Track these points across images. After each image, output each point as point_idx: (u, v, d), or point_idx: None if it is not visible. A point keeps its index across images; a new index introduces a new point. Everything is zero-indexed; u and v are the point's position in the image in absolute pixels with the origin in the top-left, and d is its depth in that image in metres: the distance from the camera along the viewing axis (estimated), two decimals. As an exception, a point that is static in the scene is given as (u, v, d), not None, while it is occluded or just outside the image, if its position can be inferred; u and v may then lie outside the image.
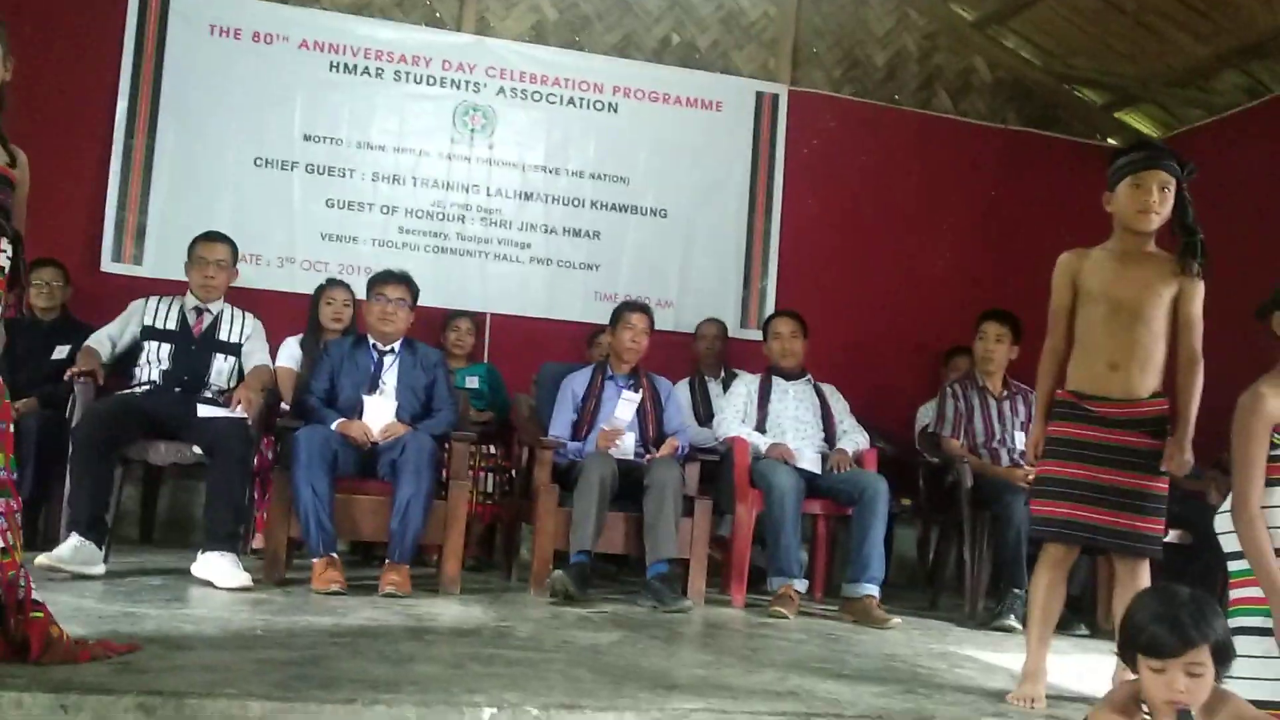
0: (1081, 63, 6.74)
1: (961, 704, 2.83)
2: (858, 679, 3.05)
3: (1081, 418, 2.97)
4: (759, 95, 6.38)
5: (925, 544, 5.92)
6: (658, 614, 4.03)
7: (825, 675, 3.06)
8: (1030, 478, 3.31)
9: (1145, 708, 2.13)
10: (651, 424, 4.71)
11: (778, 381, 4.94)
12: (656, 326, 4.98)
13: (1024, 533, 4.44)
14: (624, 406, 4.64)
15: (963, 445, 4.90)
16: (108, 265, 5.44)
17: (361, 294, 4.79)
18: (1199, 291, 2.98)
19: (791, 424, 4.83)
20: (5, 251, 2.50)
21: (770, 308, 6.17)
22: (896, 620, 4.19)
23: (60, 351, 4.86)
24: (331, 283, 5.21)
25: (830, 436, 4.86)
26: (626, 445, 4.57)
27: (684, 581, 4.38)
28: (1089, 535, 2.95)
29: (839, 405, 4.99)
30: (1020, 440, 4.91)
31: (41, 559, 3.60)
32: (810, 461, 4.66)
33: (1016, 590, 4.40)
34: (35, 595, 2.49)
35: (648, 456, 4.55)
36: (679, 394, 5.15)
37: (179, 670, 2.45)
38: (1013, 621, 4.31)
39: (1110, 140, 6.98)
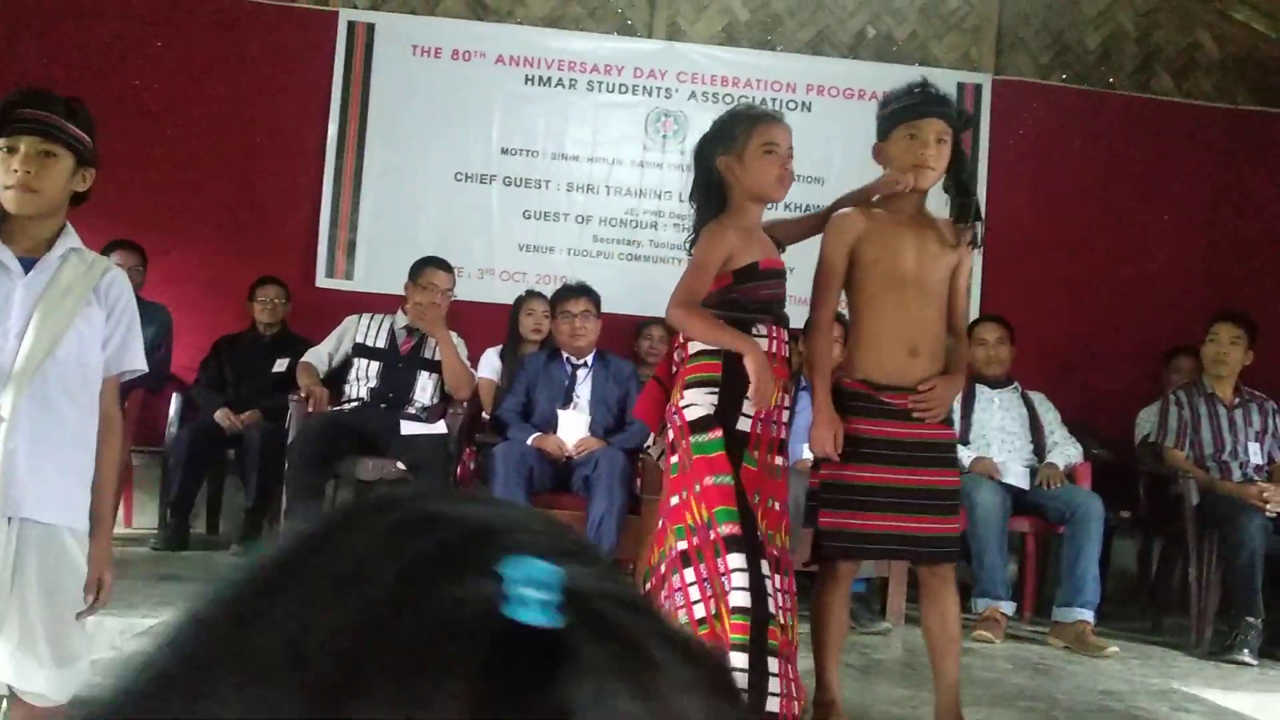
0: (1325, 33, 6.15)
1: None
2: (1068, 722, 2.88)
3: (875, 411, 2.58)
4: (960, 86, 6.08)
5: (1146, 558, 5.53)
6: (854, 634, 3.92)
7: (1033, 715, 2.89)
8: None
9: None
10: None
11: (982, 390, 4.72)
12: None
13: (1259, 556, 4.11)
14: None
15: (1188, 457, 4.56)
16: (322, 281, 5.71)
17: (560, 305, 4.85)
18: (970, 260, 2.66)
19: (997, 435, 4.61)
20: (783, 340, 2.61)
21: (975, 307, 5.91)
22: (1113, 649, 3.94)
23: (280, 364, 5.15)
24: (531, 294, 5.29)
25: (1040, 449, 4.62)
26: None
27: (883, 600, 4.25)
28: (888, 547, 2.60)
29: (1049, 415, 4.73)
30: (1254, 452, 4.53)
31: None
32: (1017, 476, 4.44)
33: (1250, 619, 4.07)
34: None
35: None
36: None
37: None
38: (1246, 656, 3.97)
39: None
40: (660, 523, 2.55)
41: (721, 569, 2.38)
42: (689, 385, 2.51)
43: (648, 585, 2.51)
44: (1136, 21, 6.31)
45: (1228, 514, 4.24)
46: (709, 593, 2.40)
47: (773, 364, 2.52)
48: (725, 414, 2.46)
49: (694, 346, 2.55)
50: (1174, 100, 6.24)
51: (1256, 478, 4.46)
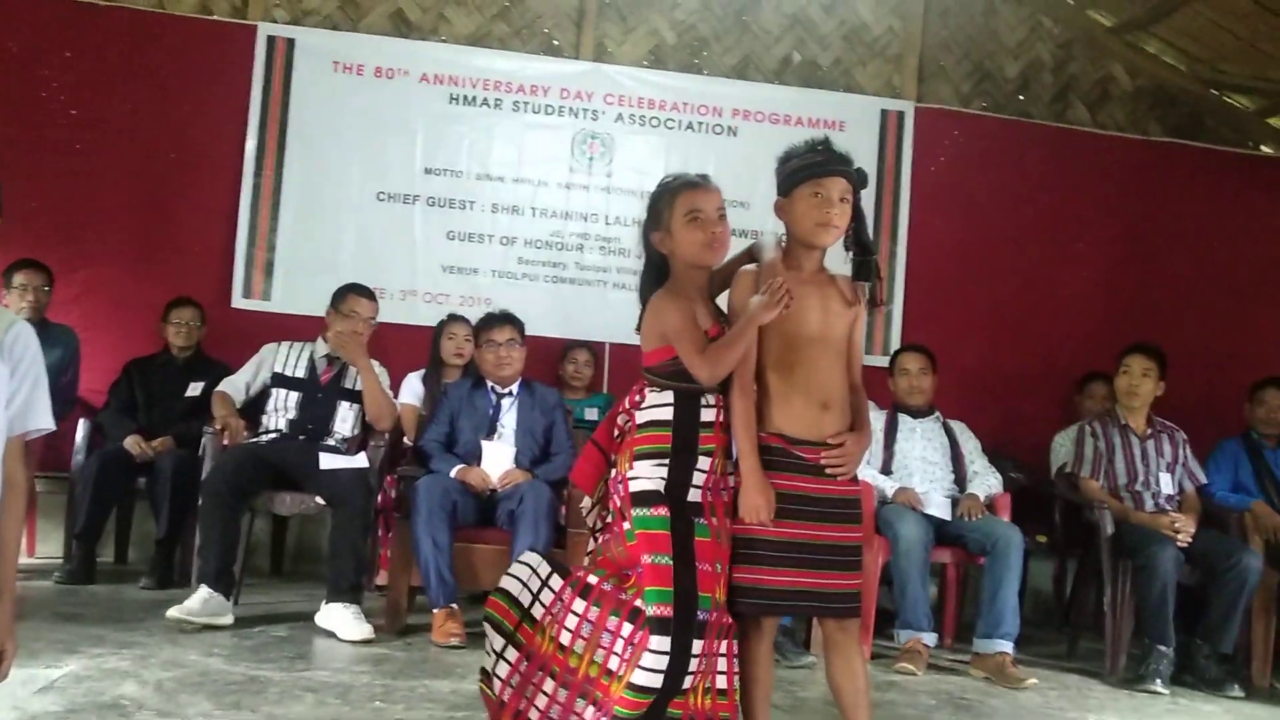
0: (1231, 67, 6.35)
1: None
2: (991, 765, 2.90)
3: (790, 466, 2.51)
4: (883, 113, 6.18)
5: (1061, 580, 5.67)
6: (780, 669, 3.92)
7: (956, 758, 2.92)
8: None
9: None
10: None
11: (904, 419, 4.77)
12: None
13: (1171, 585, 4.21)
14: None
15: (1103, 487, 4.65)
16: (238, 301, 5.55)
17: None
18: (864, 315, 2.67)
19: (919, 465, 4.65)
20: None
21: (896, 333, 5.99)
22: (1032, 680, 4.00)
23: (194, 388, 5.00)
24: (453, 318, 5.21)
25: (960, 478, 4.67)
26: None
27: (807, 633, 4.27)
28: (798, 603, 2.56)
29: (970, 444, 4.79)
30: (1166, 483, 4.65)
31: (172, 612, 3.70)
32: (939, 506, 4.48)
33: (1162, 648, 4.17)
34: None
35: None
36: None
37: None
38: (1158, 686, 4.07)
39: (1264, 148, 6.57)
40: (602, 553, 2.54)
41: (625, 634, 2.38)
42: (638, 457, 2.47)
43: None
44: (1054, 52, 6.45)
45: (1141, 544, 4.33)
46: (583, 633, 2.44)
47: (718, 432, 2.50)
48: (676, 487, 2.43)
49: (642, 417, 2.51)
50: (1089, 130, 6.39)
51: (1168, 508, 4.57)
